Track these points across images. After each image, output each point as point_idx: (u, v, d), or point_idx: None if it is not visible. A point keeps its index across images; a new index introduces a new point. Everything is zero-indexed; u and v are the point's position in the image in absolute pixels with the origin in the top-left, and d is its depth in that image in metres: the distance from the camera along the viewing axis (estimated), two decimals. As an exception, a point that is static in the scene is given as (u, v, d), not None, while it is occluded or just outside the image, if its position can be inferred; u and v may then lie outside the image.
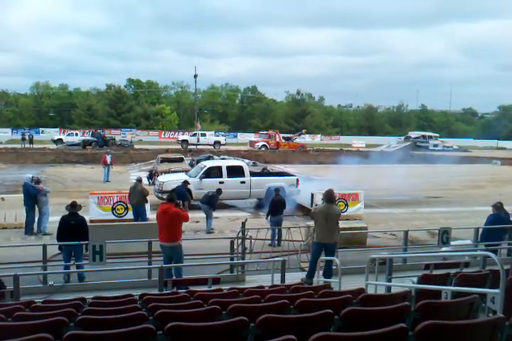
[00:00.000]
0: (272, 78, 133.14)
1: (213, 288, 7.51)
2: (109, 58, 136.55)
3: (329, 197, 9.28)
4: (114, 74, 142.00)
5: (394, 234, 14.32)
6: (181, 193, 14.91)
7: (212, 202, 15.21)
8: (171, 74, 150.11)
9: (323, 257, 10.28)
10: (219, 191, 15.45)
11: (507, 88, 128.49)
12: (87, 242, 8.95)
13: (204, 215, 15.19)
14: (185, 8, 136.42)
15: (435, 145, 57.44)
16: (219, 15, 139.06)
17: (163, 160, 26.79)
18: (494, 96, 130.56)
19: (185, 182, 15.79)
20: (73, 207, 10.16)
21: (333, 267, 9.12)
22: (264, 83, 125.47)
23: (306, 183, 19.92)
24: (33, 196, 13.88)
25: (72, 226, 9.84)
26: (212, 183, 17.37)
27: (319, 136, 71.09)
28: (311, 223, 14.01)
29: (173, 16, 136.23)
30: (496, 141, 72.71)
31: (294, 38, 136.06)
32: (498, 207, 10.99)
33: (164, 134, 62.15)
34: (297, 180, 19.35)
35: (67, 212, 10.10)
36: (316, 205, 9.68)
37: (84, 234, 9.67)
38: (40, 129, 60.46)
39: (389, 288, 7.57)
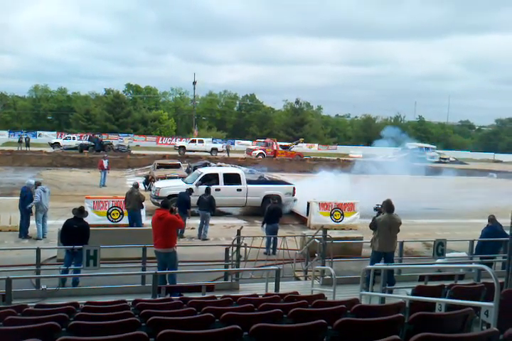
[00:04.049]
0: (271, 86, 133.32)
1: (207, 295, 7.47)
2: (110, 63, 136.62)
3: (389, 206, 9.43)
4: (114, 79, 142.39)
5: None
6: (184, 200, 14.91)
7: (213, 206, 15.27)
8: (171, 80, 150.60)
9: (317, 266, 10.29)
10: (208, 190, 15.64)
11: (505, 102, 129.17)
12: (80, 247, 8.89)
13: (198, 222, 15.19)
14: (189, 15, 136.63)
15: (432, 157, 57.55)
16: (223, 23, 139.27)
17: (160, 166, 26.76)
18: (492, 109, 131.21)
19: (190, 190, 15.73)
20: (81, 212, 10.23)
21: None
22: (263, 91, 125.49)
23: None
24: (29, 200, 13.85)
25: (75, 231, 9.84)
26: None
27: (316, 145, 71.20)
28: (307, 232, 14.08)
29: (177, 23, 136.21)
30: (493, 153, 73.01)
31: (295, 47, 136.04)
32: (492, 219, 11.01)
33: (162, 140, 62.09)
34: (294, 188, 19.34)
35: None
36: (378, 215, 9.85)
37: (85, 240, 9.61)
38: (38, 132, 60.20)
39: (383, 299, 7.56)
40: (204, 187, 16.37)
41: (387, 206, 9.46)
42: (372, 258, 9.56)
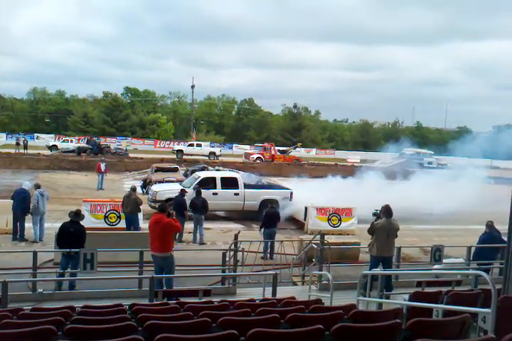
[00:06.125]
0: (269, 91, 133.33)
1: (204, 299, 7.45)
2: (110, 66, 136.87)
3: (388, 212, 9.47)
4: (113, 82, 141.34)
5: (386, 250, 14.26)
6: (180, 203, 14.91)
7: (206, 208, 15.28)
8: (171, 84, 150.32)
9: (314, 271, 10.27)
10: (199, 193, 15.66)
11: (502, 108, 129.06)
12: (77, 250, 8.87)
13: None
14: (191, 19, 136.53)
15: (429, 163, 57.56)
16: (223, 27, 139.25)
17: (158, 170, 26.70)
18: (489, 115, 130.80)
19: (183, 191, 15.75)
20: (77, 215, 10.19)
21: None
22: (261, 95, 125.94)
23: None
24: (28, 203, 13.82)
25: (71, 234, 9.80)
26: (205, 194, 17.31)
27: (314, 149, 71.25)
28: (304, 237, 14.07)
29: (177, 27, 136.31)
30: (490, 159, 73.10)
31: (294, 51, 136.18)
32: (490, 225, 11.03)
33: (159, 143, 61.98)
34: (291, 193, 19.33)
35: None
36: (376, 220, 9.89)
37: (81, 243, 9.56)
38: (35, 135, 60.02)
39: (380, 305, 7.54)
40: (204, 192, 16.38)
41: (386, 211, 9.48)
42: (371, 264, 9.58)
